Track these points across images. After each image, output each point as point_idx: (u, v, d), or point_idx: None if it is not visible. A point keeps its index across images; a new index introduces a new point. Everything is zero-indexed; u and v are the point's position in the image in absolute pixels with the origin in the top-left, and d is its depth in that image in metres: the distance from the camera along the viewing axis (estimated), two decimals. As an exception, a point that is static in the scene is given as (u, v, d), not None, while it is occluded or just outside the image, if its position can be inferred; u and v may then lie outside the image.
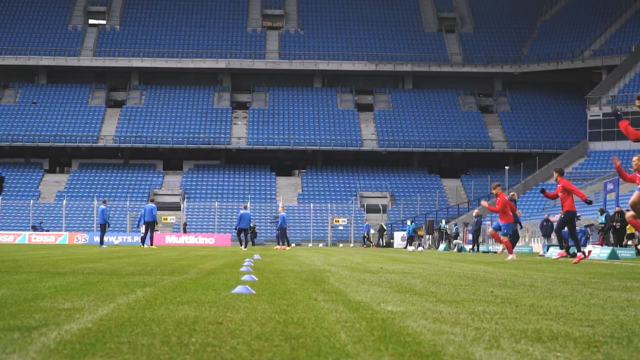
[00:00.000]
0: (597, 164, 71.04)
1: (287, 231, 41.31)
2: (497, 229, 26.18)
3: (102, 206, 38.56)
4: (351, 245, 65.19)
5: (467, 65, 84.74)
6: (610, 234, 34.18)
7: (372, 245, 61.33)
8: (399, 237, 63.17)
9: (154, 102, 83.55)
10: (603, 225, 35.37)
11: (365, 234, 63.28)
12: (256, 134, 79.91)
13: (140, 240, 41.89)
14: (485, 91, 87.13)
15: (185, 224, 66.82)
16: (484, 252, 42.23)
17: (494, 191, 25.03)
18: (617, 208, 34.98)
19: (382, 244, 63.32)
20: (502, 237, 25.18)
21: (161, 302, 6.42)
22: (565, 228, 20.61)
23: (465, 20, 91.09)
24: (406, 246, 53.57)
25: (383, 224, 65.83)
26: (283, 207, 45.43)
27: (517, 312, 6.04)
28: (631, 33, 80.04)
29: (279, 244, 39.34)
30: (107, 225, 38.73)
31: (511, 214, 24.96)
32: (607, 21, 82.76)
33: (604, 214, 35.67)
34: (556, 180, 21.97)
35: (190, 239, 61.30)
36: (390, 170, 79.64)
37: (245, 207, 39.76)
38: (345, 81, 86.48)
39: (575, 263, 19.86)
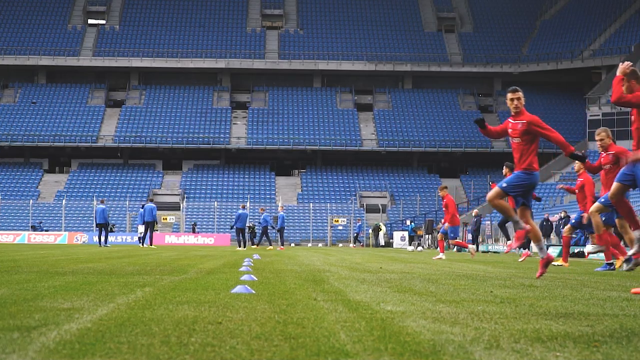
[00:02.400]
0: (596, 164, 70.92)
1: (267, 231, 40.94)
2: (445, 233, 24.57)
3: (102, 206, 38.55)
4: (351, 245, 65.19)
5: (466, 65, 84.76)
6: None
7: (359, 245, 61.30)
8: (398, 237, 63.19)
9: (153, 102, 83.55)
10: None
11: (356, 234, 63.29)
12: (256, 134, 79.91)
13: (139, 240, 41.92)
14: (485, 91, 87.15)
15: (195, 224, 66.74)
16: (483, 252, 42.24)
17: (440, 193, 23.96)
18: None
19: (381, 243, 63.28)
20: (451, 241, 24.42)
21: (161, 302, 6.42)
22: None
23: (464, 20, 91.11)
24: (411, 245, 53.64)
25: (380, 224, 65.80)
26: (282, 207, 45.48)
27: (517, 312, 6.04)
28: (631, 33, 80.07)
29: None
30: (108, 225, 38.69)
31: (458, 217, 24.02)
32: (607, 21, 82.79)
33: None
34: (505, 175, 21.72)
35: (189, 239, 61.30)
36: (390, 170, 79.64)
37: (244, 207, 39.79)
38: (344, 81, 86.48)
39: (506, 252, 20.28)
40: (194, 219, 70.26)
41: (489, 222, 51.86)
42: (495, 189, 11.50)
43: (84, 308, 5.81)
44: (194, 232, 64.60)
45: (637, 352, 4.12)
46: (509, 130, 11.38)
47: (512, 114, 11.31)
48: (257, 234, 47.56)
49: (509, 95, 11.28)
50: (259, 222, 40.31)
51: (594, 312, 6.21)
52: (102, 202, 39.78)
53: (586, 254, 28.10)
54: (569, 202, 63.48)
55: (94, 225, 38.65)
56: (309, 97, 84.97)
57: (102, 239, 38.78)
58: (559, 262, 18.00)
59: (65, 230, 64.12)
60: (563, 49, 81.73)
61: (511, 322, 5.35)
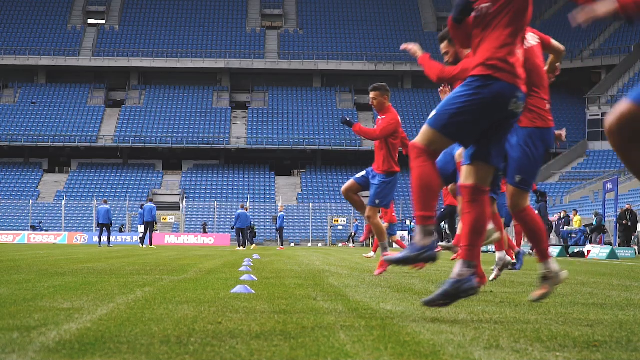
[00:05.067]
0: (596, 164, 71.06)
1: (248, 231, 40.64)
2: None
3: (105, 206, 38.40)
4: (351, 245, 65.21)
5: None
6: (615, 231, 34.25)
7: (358, 245, 61.33)
8: (398, 237, 63.20)
9: (153, 102, 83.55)
10: (592, 226, 35.69)
11: (352, 233, 63.36)
12: (255, 134, 79.91)
13: (139, 240, 41.97)
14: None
15: (205, 224, 66.74)
16: (483, 251, 42.18)
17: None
18: (627, 206, 35.05)
19: (380, 243, 63.25)
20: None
21: (160, 301, 6.42)
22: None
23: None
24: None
25: None
26: (282, 207, 45.48)
27: (516, 312, 6.04)
28: (630, 32, 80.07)
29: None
30: (111, 225, 38.65)
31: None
32: (607, 21, 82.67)
33: (597, 217, 35.94)
34: None
35: (189, 239, 61.28)
36: (390, 170, 79.63)
37: (243, 207, 39.83)
38: (344, 81, 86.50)
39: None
40: (193, 219, 70.29)
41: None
42: (370, 208, 11.41)
43: (83, 308, 5.81)
44: (204, 232, 64.66)
45: (637, 352, 4.12)
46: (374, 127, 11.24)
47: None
48: (257, 235, 47.75)
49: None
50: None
51: (594, 312, 6.21)
52: (105, 202, 39.67)
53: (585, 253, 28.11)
54: (569, 202, 63.52)
55: (96, 225, 38.56)
56: (308, 97, 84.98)
57: (104, 239, 38.81)
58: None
59: (65, 230, 64.10)
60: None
61: (511, 322, 5.35)
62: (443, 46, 7.73)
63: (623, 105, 3.78)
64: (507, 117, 5.30)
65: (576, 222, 37.53)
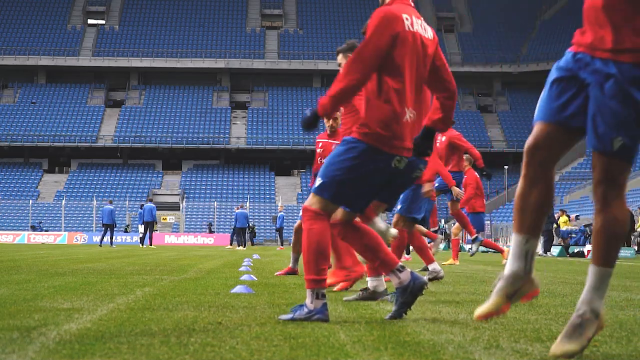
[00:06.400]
0: (596, 164, 71.05)
1: (243, 232, 40.48)
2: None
3: (110, 207, 38.38)
4: (350, 245, 65.29)
5: (466, 65, 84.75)
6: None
7: None
8: (398, 237, 63.17)
9: (153, 102, 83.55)
10: (592, 227, 35.77)
11: None
12: (255, 134, 79.91)
13: (139, 240, 41.98)
14: (485, 91, 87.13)
15: (210, 224, 66.68)
16: (483, 251, 42.18)
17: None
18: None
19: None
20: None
21: (160, 302, 6.42)
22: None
23: (464, 20, 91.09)
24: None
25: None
26: (282, 207, 45.52)
27: (516, 312, 6.04)
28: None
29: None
30: (114, 226, 38.67)
31: None
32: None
33: None
34: None
35: (189, 239, 61.26)
36: (390, 170, 79.65)
37: (242, 207, 39.88)
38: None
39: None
40: (193, 219, 70.28)
41: (488, 222, 51.84)
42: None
43: (83, 308, 5.80)
44: (210, 231, 64.65)
45: (637, 352, 4.12)
46: (319, 150, 10.07)
47: (329, 133, 10.00)
48: (257, 235, 47.68)
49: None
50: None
51: (594, 312, 6.19)
52: (110, 202, 39.63)
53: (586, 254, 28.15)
54: (569, 202, 63.53)
55: (101, 224, 38.55)
56: (308, 97, 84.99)
57: (106, 239, 38.77)
58: (450, 260, 17.42)
59: (64, 230, 64.08)
60: (562, 49, 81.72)
61: (511, 322, 5.35)
62: (339, 58, 7.51)
63: (535, 127, 3.82)
64: (393, 175, 5.21)
65: (563, 222, 37.50)
